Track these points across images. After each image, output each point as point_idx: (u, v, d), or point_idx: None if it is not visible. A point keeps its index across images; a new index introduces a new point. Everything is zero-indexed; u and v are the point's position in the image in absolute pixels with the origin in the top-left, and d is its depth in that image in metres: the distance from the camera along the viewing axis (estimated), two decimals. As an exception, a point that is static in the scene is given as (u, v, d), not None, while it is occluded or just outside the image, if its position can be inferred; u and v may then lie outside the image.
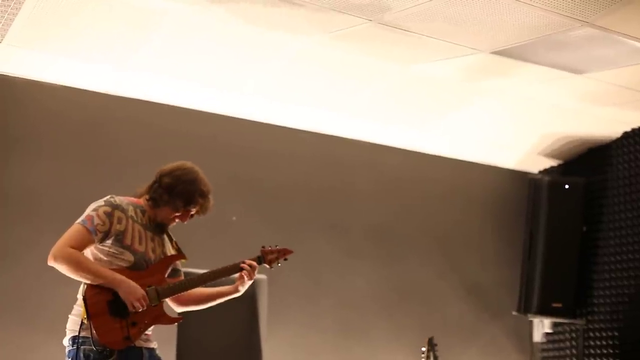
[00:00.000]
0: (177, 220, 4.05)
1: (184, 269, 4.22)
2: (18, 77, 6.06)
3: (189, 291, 4.09)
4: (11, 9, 5.12)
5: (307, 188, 7.16)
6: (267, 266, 4.23)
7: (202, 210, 4.03)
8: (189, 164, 4.05)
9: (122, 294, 3.77)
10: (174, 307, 4.18)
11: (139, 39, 5.66)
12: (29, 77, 6.09)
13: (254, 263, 4.13)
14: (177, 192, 3.95)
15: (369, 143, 7.42)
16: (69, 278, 3.81)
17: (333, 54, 5.94)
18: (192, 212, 4.03)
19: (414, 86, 6.53)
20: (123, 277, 3.79)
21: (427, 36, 5.54)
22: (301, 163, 7.17)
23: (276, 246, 4.26)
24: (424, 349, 6.11)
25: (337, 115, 6.99)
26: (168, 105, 6.57)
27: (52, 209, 5.93)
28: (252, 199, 6.89)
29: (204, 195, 4.00)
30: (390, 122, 7.19)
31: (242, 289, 4.14)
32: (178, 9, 5.32)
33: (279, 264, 4.26)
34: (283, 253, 4.26)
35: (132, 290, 3.78)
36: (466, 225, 7.90)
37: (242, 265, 4.10)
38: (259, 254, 4.21)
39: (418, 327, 7.13)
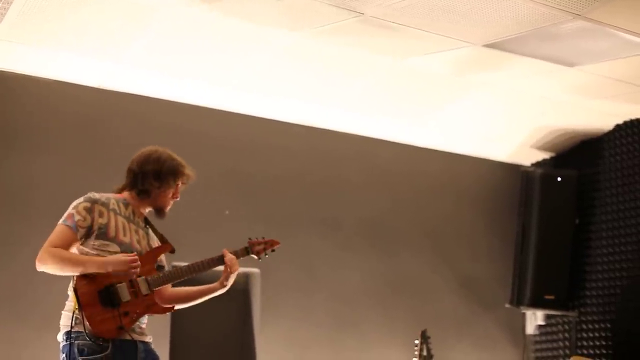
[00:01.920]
0: (173, 199, 4.09)
1: (175, 262, 4.21)
2: (11, 72, 6.03)
3: (174, 290, 4.11)
4: (2, 3, 5.11)
5: (299, 182, 7.16)
6: (255, 257, 4.24)
7: (188, 179, 4.12)
8: (152, 147, 4.15)
9: (113, 270, 3.76)
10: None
11: (133, 34, 5.64)
12: (23, 72, 6.06)
13: (232, 256, 4.09)
14: (165, 172, 4.03)
15: (361, 136, 7.42)
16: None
17: (324, 47, 5.93)
18: (179, 186, 4.09)
19: (406, 79, 6.52)
20: (104, 257, 3.78)
21: (418, 29, 5.54)
22: (293, 157, 7.17)
23: (263, 238, 4.28)
24: (417, 341, 6.12)
25: (329, 109, 6.98)
26: (163, 100, 6.56)
27: (48, 204, 5.87)
28: (245, 192, 6.89)
29: (184, 165, 4.10)
30: (382, 116, 7.18)
31: (228, 284, 4.12)
32: (171, 4, 5.31)
33: (267, 255, 4.26)
34: (270, 244, 4.28)
35: (117, 261, 3.77)
36: (459, 218, 7.91)
37: (225, 258, 4.07)
38: (246, 244, 4.23)
39: (411, 320, 7.13)
